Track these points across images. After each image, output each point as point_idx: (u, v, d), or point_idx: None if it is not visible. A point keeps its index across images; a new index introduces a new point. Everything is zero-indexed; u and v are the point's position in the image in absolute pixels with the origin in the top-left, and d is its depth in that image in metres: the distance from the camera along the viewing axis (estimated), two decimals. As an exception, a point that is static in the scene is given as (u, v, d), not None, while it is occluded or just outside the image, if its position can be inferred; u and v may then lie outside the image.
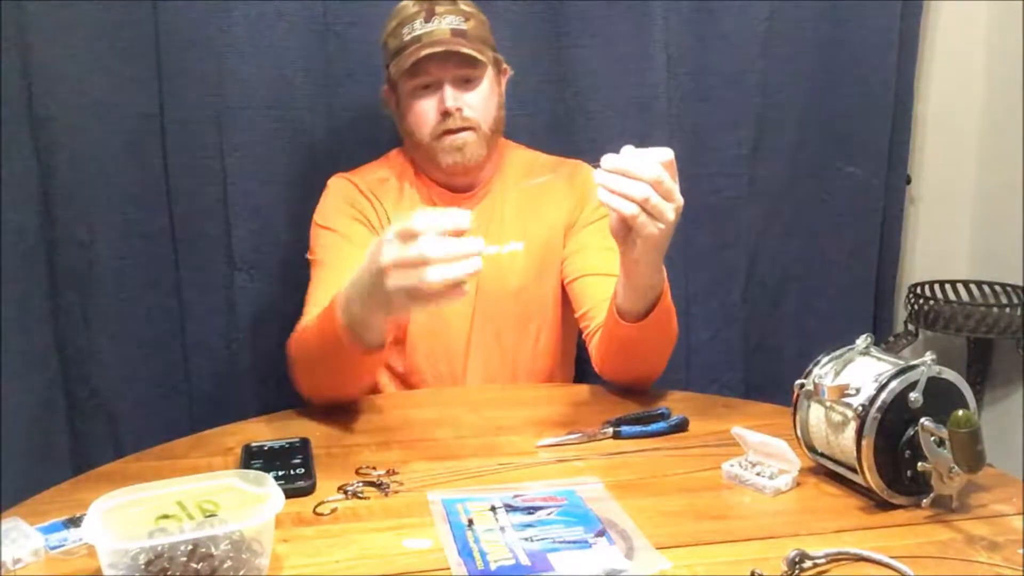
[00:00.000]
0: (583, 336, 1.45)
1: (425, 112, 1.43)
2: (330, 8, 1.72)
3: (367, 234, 1.44)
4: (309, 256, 1.46)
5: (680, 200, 1.10)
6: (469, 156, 1.44)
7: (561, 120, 1.88)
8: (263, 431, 1.24)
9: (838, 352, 1.06)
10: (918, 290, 2.13)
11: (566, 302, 1.53)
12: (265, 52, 1.70)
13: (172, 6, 1.65)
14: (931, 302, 2.12)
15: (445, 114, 1.41)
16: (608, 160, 1.06)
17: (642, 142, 1.86)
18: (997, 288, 2.15)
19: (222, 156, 1.72)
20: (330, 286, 1.37)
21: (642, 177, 1.06)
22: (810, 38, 1.97)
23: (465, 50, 1.39)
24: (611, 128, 1.88)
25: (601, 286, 1.38)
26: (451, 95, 1.41)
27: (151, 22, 1.65)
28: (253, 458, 1.11)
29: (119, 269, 1.72)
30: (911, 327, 2.15)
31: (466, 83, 1.43)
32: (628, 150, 1.07)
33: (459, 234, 1.00)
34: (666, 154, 1.08)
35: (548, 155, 1.59)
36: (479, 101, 1.44)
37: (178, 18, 1.66)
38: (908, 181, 2.14)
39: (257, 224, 1.76)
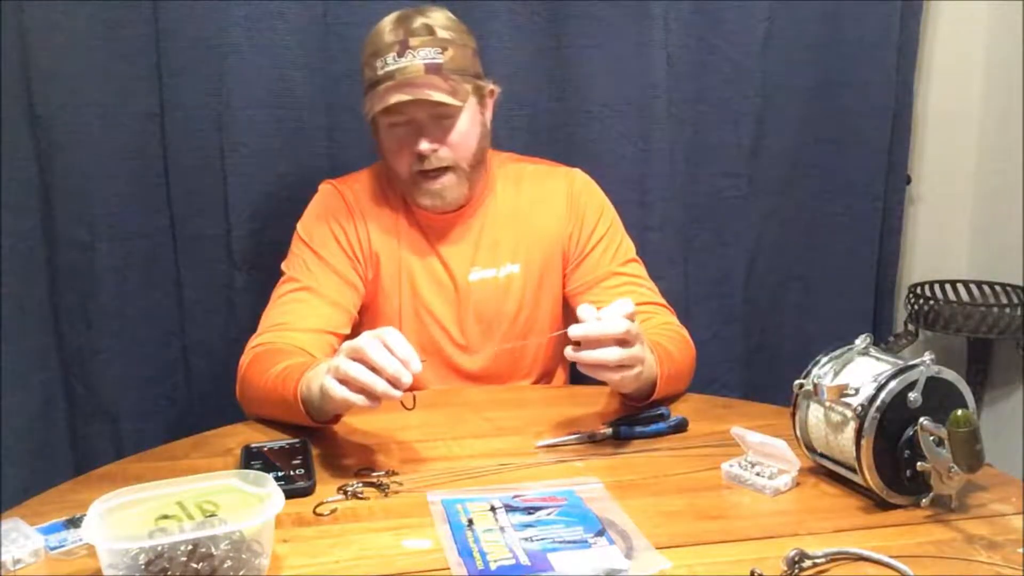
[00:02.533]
0: None
1: (402, 151, 1.37)
2: (330, 8, 1.72)
3: (343, 258, 1.42)
4: (283, 266, 1.44)
5: (642, 334, 1.16)
6: (449, 199, 1.39)
7: (561, 120, 1.87)
8: (263, 432, 1.24)
9: (837, 352, 1.06)
10: (918, 290, 2.13)
11: (567, 311, 1.52)
12: (265, 52, 1.70)
13: (172, 6, 1.65)
14: (931, 302, 2.12)
15: (420, 156, 1.36)
16: (574, 331, 1.09)
17: (642, 142, 1.89)
18: (997, 288, 2.15)
19: (222, 156, 1.72)
20: (292, 308, 1.38)
21: (610, 334, 1.09)
22: (810, 38, 1.97)
23: (436, 96, 1.32)
24: (611, 128, 1.88)
25: None
26: (425, 140, 1.35)
27: (151, 22, 1.65)
28: (253, 459, 1.11)
29: (119, 269, 1.72)
30: (911, 327, 2.15)
31: (444, 119, 1.36)
32: (586, 311, 1.11)
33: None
34: (626, 306, 1.11)
35: (537, 163, 1.55)
36: (457, 140, 1.37)
37: (178, 18, 1.66)
38: (908, 181, 2.14)
39: (257, 224, 1.76)
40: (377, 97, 1.35)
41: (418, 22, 1.36)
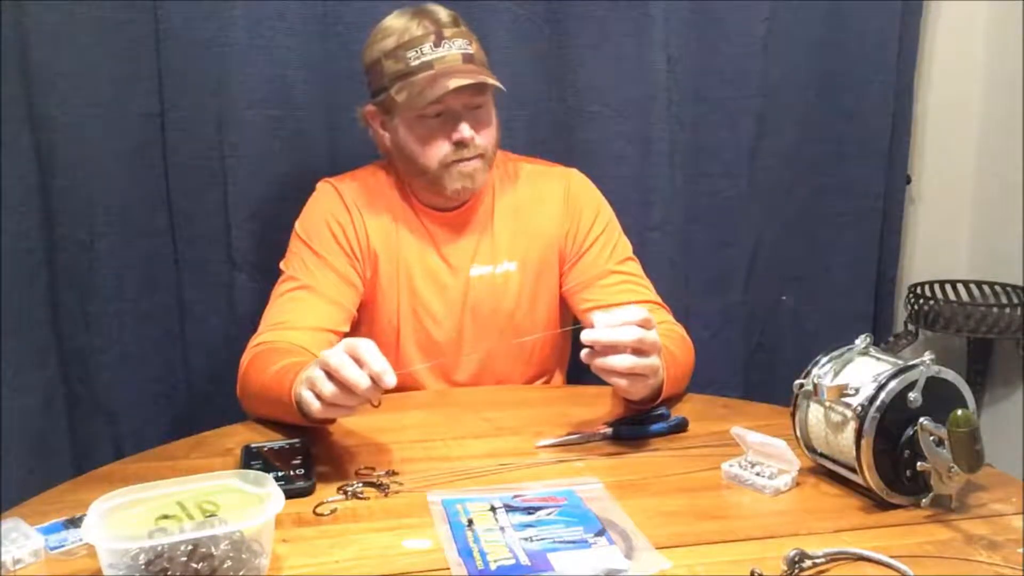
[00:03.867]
0: None
1: (436, 140, 1.38)
2: (330, 8, 1.72)
3: (342, 257, 1.43)
4: (282, 265, 1.45)
5: (660, 344, 1.15)
6: (478, 182, 1.41)
7: (561, 120, 1.87)
8: (263, 432, 1.24)
9: (837, 352, 1.06)
10: (918, 290, 2.13)
11: (563, 311, 1.52)
12: (265, 52, 1.70)
13: (172, 6, 1.65)
14: (931, 302, 2.12)
15: (460, 144, 1.37)
16: (588, 336, 1.10)
17: (642, 142, 1.89)
18: (997, 288, 2.15)
19: (222, 156, 1.72)
20: (291, 307, 1.38)
21: (623, 341, 1.10)
22: (810, 38, 1.97)
23: (491, 81, 1.35)
24: (611, 128, 1.88)
25: None
26: (467, 126, 1.36)
27: (151, 22, 1.65)
28: (253, 459, 1.11)
29: (119, 269, 1.72)
30: (911, 327, 2.15)
31: (477, 108, 1.39)
32: (599, 318, 1.11)
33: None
34: (639, 314, 1.12)
35: (534, 162, 1.55)
36: (490, 128, 1.41)
37: (178, 18, 1.65)
38: (908, 181, 2.14)
39: (257, 224, 1.76)
40: (417, 86, 1.34)
41: (443, 15, 1.38)
